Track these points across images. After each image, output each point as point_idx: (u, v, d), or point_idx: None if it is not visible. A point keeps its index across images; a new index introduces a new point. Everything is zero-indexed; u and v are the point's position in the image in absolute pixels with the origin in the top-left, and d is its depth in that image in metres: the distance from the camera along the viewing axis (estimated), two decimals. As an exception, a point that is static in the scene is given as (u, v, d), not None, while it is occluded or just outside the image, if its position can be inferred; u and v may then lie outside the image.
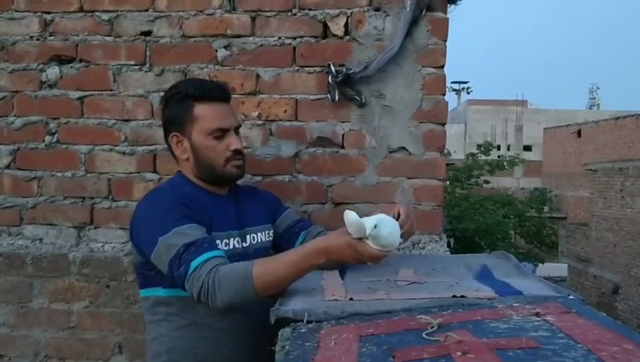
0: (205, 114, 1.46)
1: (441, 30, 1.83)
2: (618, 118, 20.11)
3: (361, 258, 1.24)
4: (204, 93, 1.47)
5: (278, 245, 1.61)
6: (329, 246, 1.26)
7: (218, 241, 1.42)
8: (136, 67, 1.91)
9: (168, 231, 1.32)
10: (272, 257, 1.37)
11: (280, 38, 1.86)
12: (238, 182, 1.70)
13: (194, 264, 1.28)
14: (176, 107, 1.48)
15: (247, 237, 1.52)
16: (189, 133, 1.47)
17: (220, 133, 1.46)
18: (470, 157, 16.62)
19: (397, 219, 1.29)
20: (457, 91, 42.21)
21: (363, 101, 1.84)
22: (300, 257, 1.29)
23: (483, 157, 16.55)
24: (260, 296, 1.28)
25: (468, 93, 42.28)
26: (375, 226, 1.19)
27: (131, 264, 1.84)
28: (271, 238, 1.59)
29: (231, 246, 1.46)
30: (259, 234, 1.55)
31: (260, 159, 1.89)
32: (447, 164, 1.98)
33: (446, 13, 1.84)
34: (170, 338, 1.44)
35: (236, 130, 1.51)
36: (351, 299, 1.19)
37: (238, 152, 1.49)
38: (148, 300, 1.48)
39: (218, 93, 1.49)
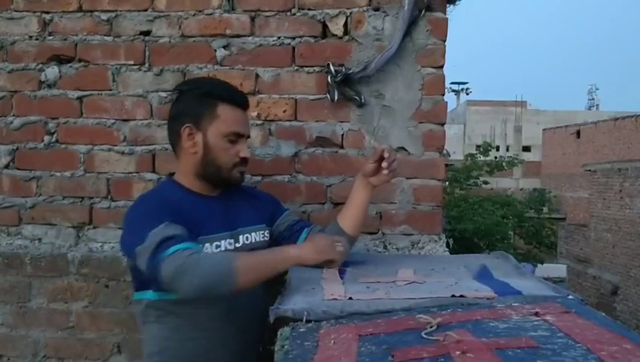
0: (227, 115, 1.48)
1: (441, 30, 1.83)
2: (617, 118, 20.14)
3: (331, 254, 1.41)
4: (231, 96, 1.51)
5: (280, 244, 1.60)
6: (308, 244, 1.46)
7: (207, 244, 1.43)
8: (136, 67, 1.91)
9: (146, 237, 1.32)
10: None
11: (279, 37, 1.86)
12: None
13: (173, 249, 1.29)
14: (195, 101, 1.49)
15: (240, 237, 1.52)
16: (204, 129, 1.48)
17: (235, 138, 1.49)
18: (469, 158, 16.63)
19: (382, 161, 1.49)
20: (457, 92, 42.29)
21: (362, 101, 1.84)
22: (280, 247, 1.46)
23: (482, 158, 16.57)
24: (240, 278, 1.30)
25: (467, 94, 42.38)
26: None
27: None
28: (267, 238, 1.58)
29: (222, 248, 1.47)
30: (253, 234, 1.55)
31: (260, 159, 1.88)
32: (447, 165, 1.98)
33: (445, 14, 1.84)
34: (162, 338, 1.46)
35: (248, 138, 1.56)
36: (350, 298, 1.18)
37: (245, 160, 1.53)
38: (140, 303, 1.49)
39: (242, 99, 1.54)
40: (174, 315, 1.44)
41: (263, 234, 1.57)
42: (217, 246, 1.46)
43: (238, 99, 1.53)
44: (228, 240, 1.49)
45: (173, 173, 1.57)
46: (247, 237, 1.53)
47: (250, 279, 1.33)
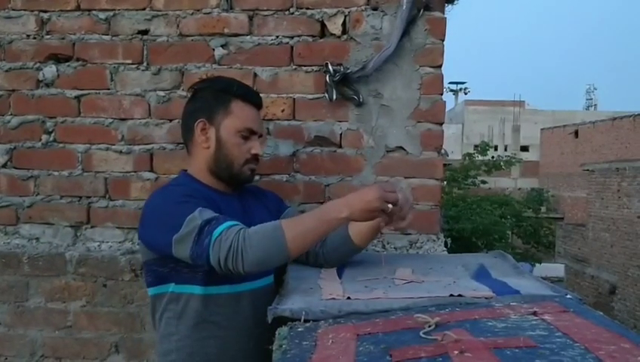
0: (240, 112, 1.51)
1: (439, 30, 1.83)
2: (615, 118, 20.17)
3: (385, 197, 1.30)
4: (245, 93, 1.54)
5: None
6: (351, 194, 1.35)
7: None
8: (134, 66, 1.90)
9: (181, 224, 1.31)
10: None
11: (277, 37, 1.86)
12: None
13: (218, 230, 1.28)
14: (210, 98, 1.51)
15: None
16: (217, 124, 1.49)
17: (248, 134, 1.51)
18: (467, 158, 16.66)
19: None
20: (455, 92, 42.33)
21: (361, 100, 1.83)
22: (323, 207, 1.38)
23: (480, 158, 16.59)
24: (291, 248, 1.29)
25: (465, 94, 42.43)
26: None
27: (128, 263, 1.85)
28: None
29: None
30: None
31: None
32: (445, 164, 1.98)
33: (444, 13, 1.84)
34: (180, 336, 1.44)
35: (260, 137, 1.57)
36: (348, 298, 1.18)
37: (256, 157, 1.54)
38: (158, 297, 1.47)
39: (256, 98, 1.57)
40: (196, 312, 1.42)
41: None
42: None
43: (252, 98, 1.56)
44: None
45: (185, 170, 1.56)
46: None
47: (301, 246, 1.32)
